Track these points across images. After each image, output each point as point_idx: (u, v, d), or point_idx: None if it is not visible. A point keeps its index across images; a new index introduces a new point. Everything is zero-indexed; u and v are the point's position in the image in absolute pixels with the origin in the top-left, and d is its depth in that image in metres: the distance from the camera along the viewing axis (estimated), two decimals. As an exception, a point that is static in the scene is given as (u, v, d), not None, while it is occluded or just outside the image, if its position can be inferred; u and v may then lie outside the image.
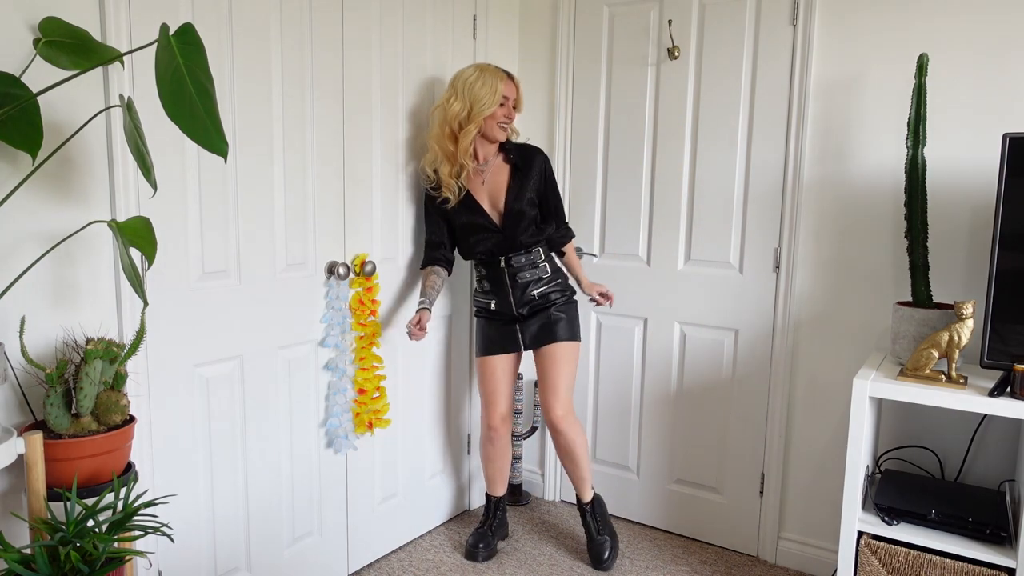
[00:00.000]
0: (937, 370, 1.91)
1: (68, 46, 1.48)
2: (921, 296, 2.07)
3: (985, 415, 2.16)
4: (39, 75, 1.51)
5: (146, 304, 1.42)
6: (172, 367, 1.85)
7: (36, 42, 1.47)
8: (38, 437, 1.42)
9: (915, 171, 2.03)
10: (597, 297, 2.54)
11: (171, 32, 1.24)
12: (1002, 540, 1.84)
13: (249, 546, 2.10)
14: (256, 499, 2.11)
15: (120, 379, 1.58)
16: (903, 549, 1.88)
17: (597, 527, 2.56)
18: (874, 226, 2.30)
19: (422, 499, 2.72)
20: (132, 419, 1.60)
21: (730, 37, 2.49)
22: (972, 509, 1.91)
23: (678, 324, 2.71)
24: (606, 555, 2.50)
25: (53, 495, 1.46)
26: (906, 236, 2.08)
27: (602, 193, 2.83)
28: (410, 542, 2.69)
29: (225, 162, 1.80)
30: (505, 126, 2.38)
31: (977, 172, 2.14)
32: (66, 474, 1.47)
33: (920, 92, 2.01)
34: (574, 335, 2.47)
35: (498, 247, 2.42)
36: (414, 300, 2.57)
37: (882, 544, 1.91)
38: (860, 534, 1.95)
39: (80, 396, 1.50)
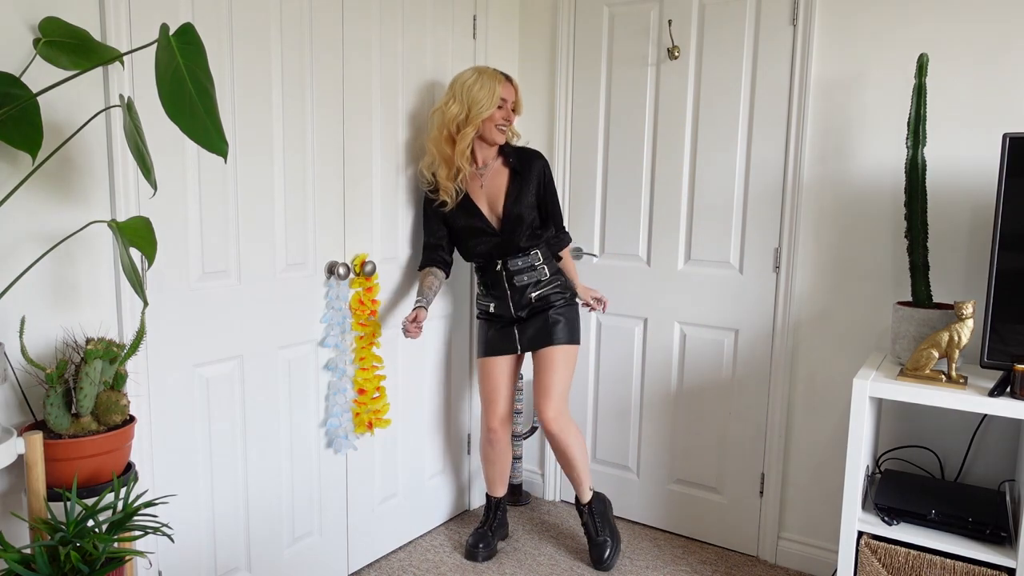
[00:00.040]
0: (937, 370, 1.91)
1: (68, 46, 1.48)
2: (921, 296, 2.07)
3: (985, 415, 2.16)
4: (39, 75, 1.51)
5: (146, 304, 1.42)
6: (172, 367, 1.85)
7: (36, 42, 1.47)
8: (38, 437, 1.42)
9: (915, 171, 2.03)
10: (591, 302, 2.57)
11: (171, 32, 1.24)
12: (1002, 540, 1.83)
13: (249, 546, 2.11)
14: (256, 499, 2.11)
15: (120, 379, 1.58)
16: (903, 549, 1.88)
17: (597, 528, 2.55)
18: (874, 226, 2.31)
19: (422, 499, 2.72)
20: (132, 419, 1.60)
21: (730, 37, 2.49)
22: (972, 509, 1.91)
23: (678, 324, 2.71)
24: (606, 555, 2.50)
25: (53, 495, 1.46)
26: (906, 236, 2.08)
27: (602, 193, 2.83)
28: (410, 542, 2.69)
29: (225, 162, 1.80)
30: (504, 128, 2.38)
31: (977, 172, 2.14)
32: (66, 474, 1.47)
33: (920, 92, 2.01)
34: (572, 338, 2.46)
35: (496, 250, 2.42)
36: (413, 300, 2.57)
37: (882, 544, 1.91)
38: (860, 534, 1.95)
39: (80, 396, 1.50)
